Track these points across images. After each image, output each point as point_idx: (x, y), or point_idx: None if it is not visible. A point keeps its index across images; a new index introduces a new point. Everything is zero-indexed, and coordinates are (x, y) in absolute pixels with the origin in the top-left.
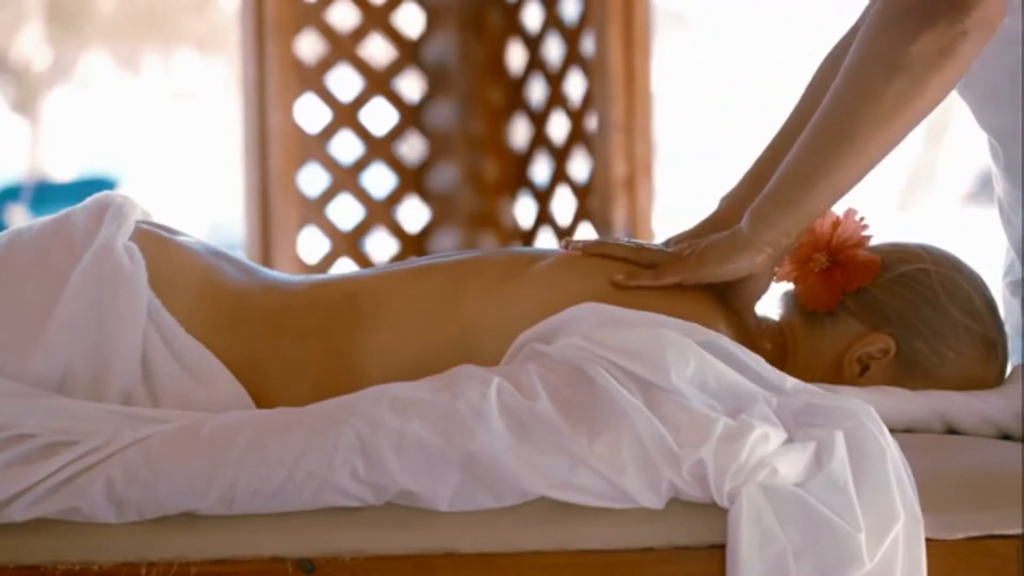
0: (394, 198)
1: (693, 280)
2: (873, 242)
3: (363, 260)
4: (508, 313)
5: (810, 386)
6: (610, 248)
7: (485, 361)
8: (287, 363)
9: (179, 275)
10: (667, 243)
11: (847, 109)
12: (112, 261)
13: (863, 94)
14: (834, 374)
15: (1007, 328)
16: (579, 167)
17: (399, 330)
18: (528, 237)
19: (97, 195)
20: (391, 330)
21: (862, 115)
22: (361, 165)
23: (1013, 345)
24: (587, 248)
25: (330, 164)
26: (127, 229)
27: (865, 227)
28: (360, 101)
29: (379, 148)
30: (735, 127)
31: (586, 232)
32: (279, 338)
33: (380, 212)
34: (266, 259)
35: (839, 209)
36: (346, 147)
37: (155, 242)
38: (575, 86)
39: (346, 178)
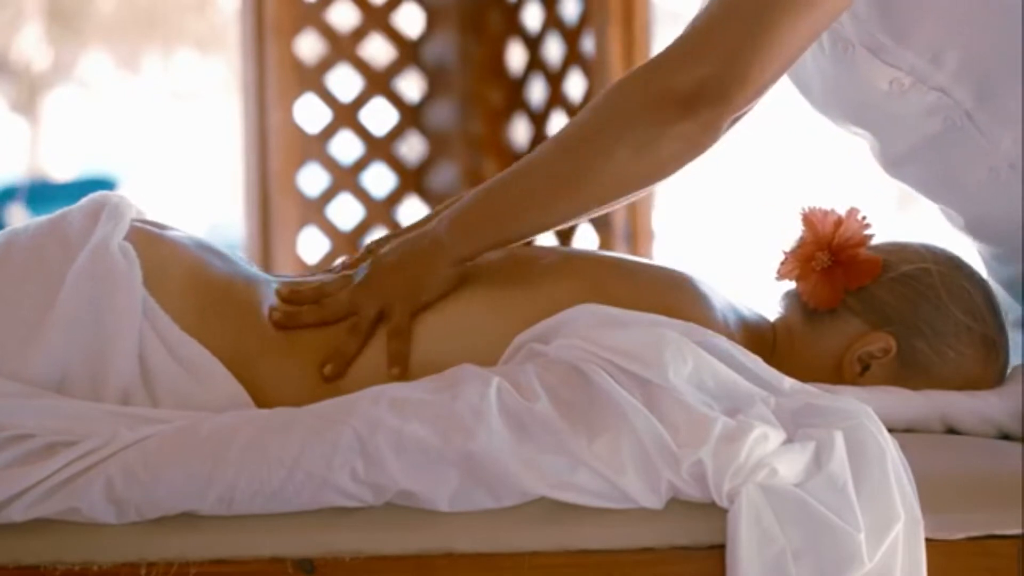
0: (394, 198)
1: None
2: (875, 241)
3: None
4: (497, 315)
5: (808, 386)
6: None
7: (478, 361)
8: (276, 356)
9: (169, 269)
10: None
11: (574, 158)
12: (107, 260)
13: (596, 152)
14: (835, 373)
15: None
16: None
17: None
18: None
19: (93, 195)
20: (384, 332)
21: (585, 171)
22: (361, 165)
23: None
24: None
25: (330, 164)
26: (122, 228)
27: (867, 226)
28: (360, 101)
29: (379, 148)
30: (735, 127)
31: (586, 232)
32: (268, 331)
33: (380, 212)
34: (266, 259)
35: (841, 209)
36: (346, 147)
37: (147, 239)
38: (575, 86)
39: (346, 178)
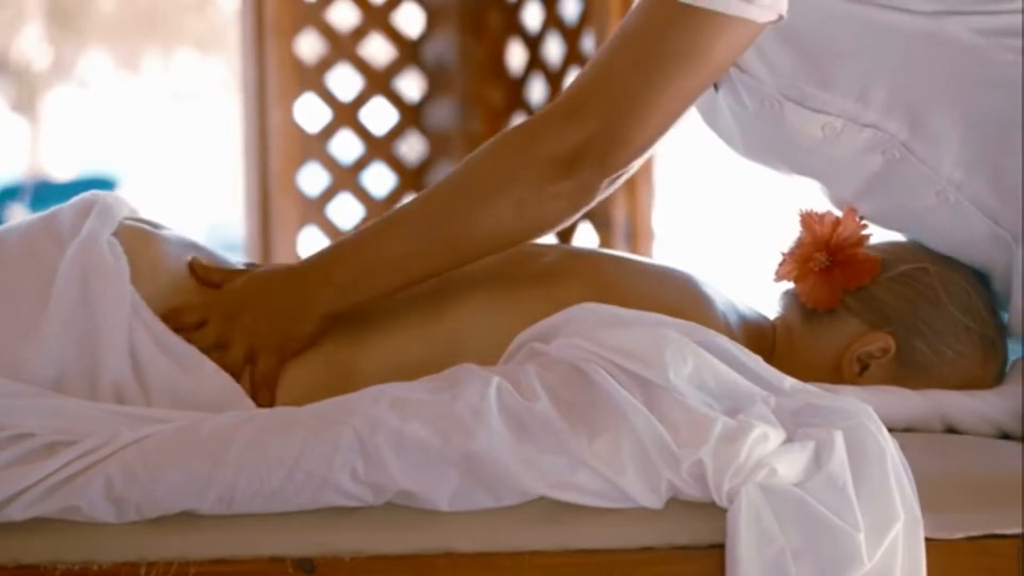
0: (394, 198)
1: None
2: (873, 241)
3: None
4: (497, 314)
5: (808, 386)
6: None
7: (477, 360)
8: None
9: (158, 267)
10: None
11: (452, 214)
12: (95, 255)
13: (475, 208)
14: (834, 373)
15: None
16: None
17: (390, 331)
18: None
19: (85, 193)
20: (382, 331)
21: (463, 227)
22: (361, 165)
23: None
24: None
25: (330, 164)
26: (111, 224)
27: (865, 226)
28: (360, 101)
29: (379, 148)
30: (617, 182)
31: (586, 232)
32: None
33: (380, 212)
34: (266, 259)
35: (838, 209)
36: (346, 147)
37: (137, 236)
38: None
39: (346, 178)
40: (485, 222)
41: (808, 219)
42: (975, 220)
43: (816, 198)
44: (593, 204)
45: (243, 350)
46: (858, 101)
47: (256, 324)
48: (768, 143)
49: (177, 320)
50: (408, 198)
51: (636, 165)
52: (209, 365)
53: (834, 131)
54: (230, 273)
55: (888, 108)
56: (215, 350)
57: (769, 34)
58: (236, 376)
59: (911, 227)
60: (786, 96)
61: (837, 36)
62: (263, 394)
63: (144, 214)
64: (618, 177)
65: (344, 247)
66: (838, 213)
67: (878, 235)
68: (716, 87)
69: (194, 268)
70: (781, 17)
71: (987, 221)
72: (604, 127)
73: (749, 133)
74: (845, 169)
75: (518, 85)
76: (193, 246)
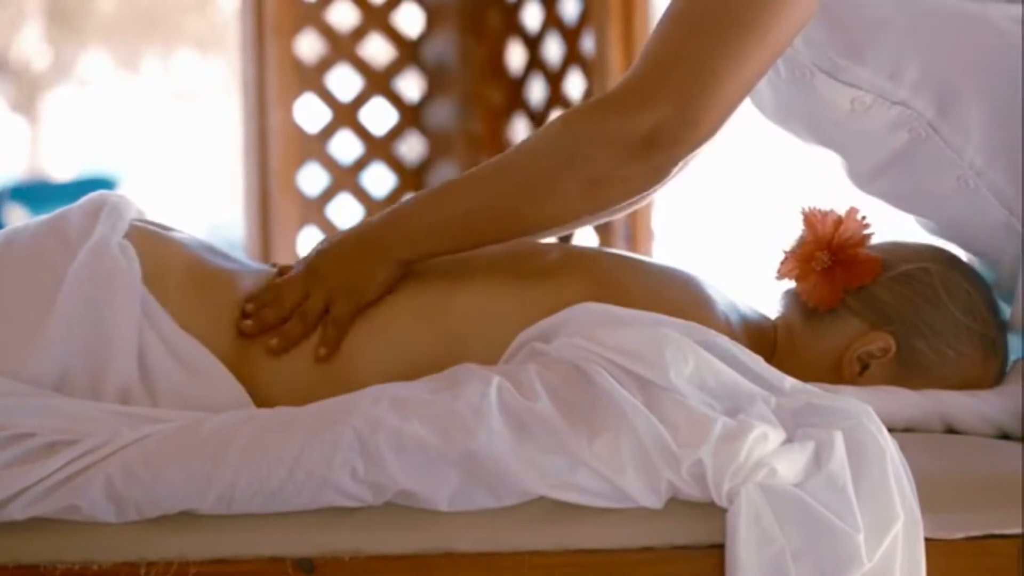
0: (394, 198)
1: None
2: (874, 241)
3: None
4: (499, 312)
5: (809, 386)
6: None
7: (479, 358)
8: (280, 359)
9: (171, 269)
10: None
11: (524, 184)
12: (107, 259)
13: (546, 181)
14: (834, 373)
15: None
16: None
17: (390, 329)
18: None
19: (93, 194)
20: (382, 330)
21: (533, 198)
22: (361, 165)
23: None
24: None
25: (330, 164)
26: (122, 227)
27: (867, 226)
28: (360, 101)
29: (379, 148)
30: (735, 126)
31: (586, 232)
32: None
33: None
34: (266, 259)
35: (840, 208)
36: (346, 147)
37: (148, 238)
38: (575, 86)
39: (346, 178)
40: (554, 199)
41: (810, 218)
42: (991, 208)
43: (833, 172)
44: (660, 186)
45: (322, 297)
46: (890, 78)
47: (333, 272)
48: (796, 111)
49: (276, 294)
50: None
51: (706, 146)
52: (219, 371)
53: (863, 105)
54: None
55: (919, 87)
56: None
57: None
58: (311, 328)
59: (926, 209)
60: (819, 66)
61: (874, 11)
62: (330, 336)
63: (147, 214)
64: (690, 159)
65: (418, 203)
66: (849, 196)
67: (878, 236)
68: None
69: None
70: None
71: (1002, 210)
72: (678, 109)
73: (780, 99)
74: (869, 144)
75: (518, 85)
76: (204, 247)
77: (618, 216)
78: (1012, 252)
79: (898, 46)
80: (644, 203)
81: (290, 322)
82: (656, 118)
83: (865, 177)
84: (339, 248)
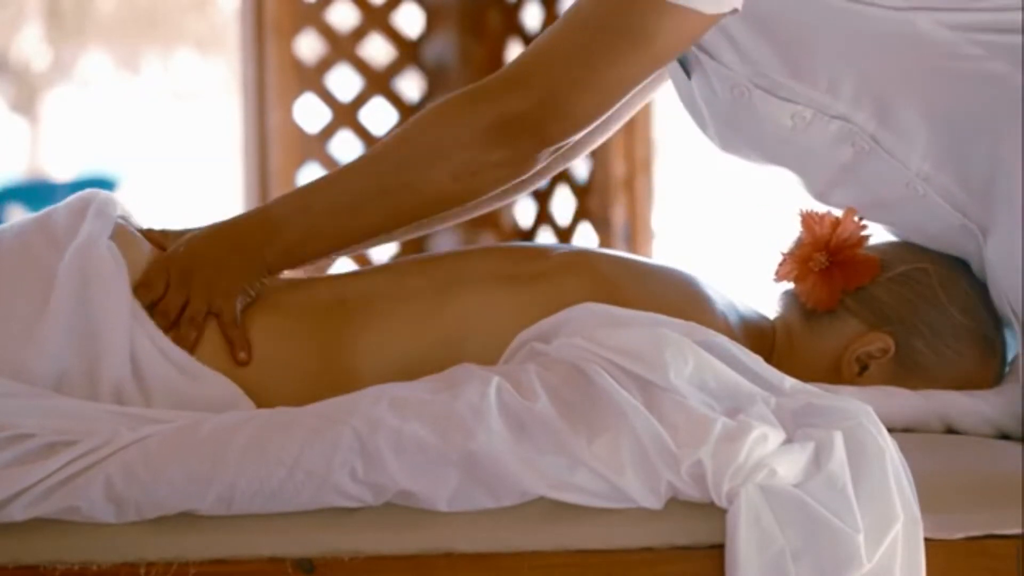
0: None
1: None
2: (872, 241)
3: (363, 259)
4: (497, 313)
5: (809, 386)
6: None
7: (478, 360)
8: (277, 361)
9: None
10: None
11: (394, 173)
12: (95, 258)
13: (416, 170)
14: (833, 373)
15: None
16: (578, 166)
17: (388, 331)
18: (528, 237)
19: (79, 192)
20: (380, 331)
21: (403, 187)
22: None
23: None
24: None
25: (330, 164)
26: (108, 226)
27: (864, 227)
28: (360, 101)
29: None
30: (561, 154)
31: (586, 231)
32: (267, 336)
33: None
34: None
35: (838, 209)
36: (346, 147)
37: (129, 241)
38: None
39: None
40: (426, 186)
41: (808, 219)
42: (944, 212)
43: (793, 188)
44: (532, 173)
45: (203, 303)
46: (827, 92)
47: (210, 277)
48: (741, 132)
49: (146, 295)
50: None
51: (575, 139)
52: (210, 373)
53: (804, 121)
54: (174, 235)
55: (856, 100)
56: (176, 310)
57: (739, 21)
58: (201, 330)
59: (884, 217)
60: (756, 84)
61: (808, 26)
62: (236, 337)
63: (144, 214)
64: (558, 149)
65: (287, 205)
66: (820, 206)
67: (878, 236)
68: (688, 74)
69: (148, 236)
70: (735, 10)
71: (955, 214)
72: (543, 99)
73: (721, 122)
74: (817, 159)
75: None
76: None
77: (497, 206)
78: (974, 253)
79: (832, 61)
80: (525, 192)
81: (183, 328)
82: (521, 106)
83: (820, 191)
84: (212, 253)
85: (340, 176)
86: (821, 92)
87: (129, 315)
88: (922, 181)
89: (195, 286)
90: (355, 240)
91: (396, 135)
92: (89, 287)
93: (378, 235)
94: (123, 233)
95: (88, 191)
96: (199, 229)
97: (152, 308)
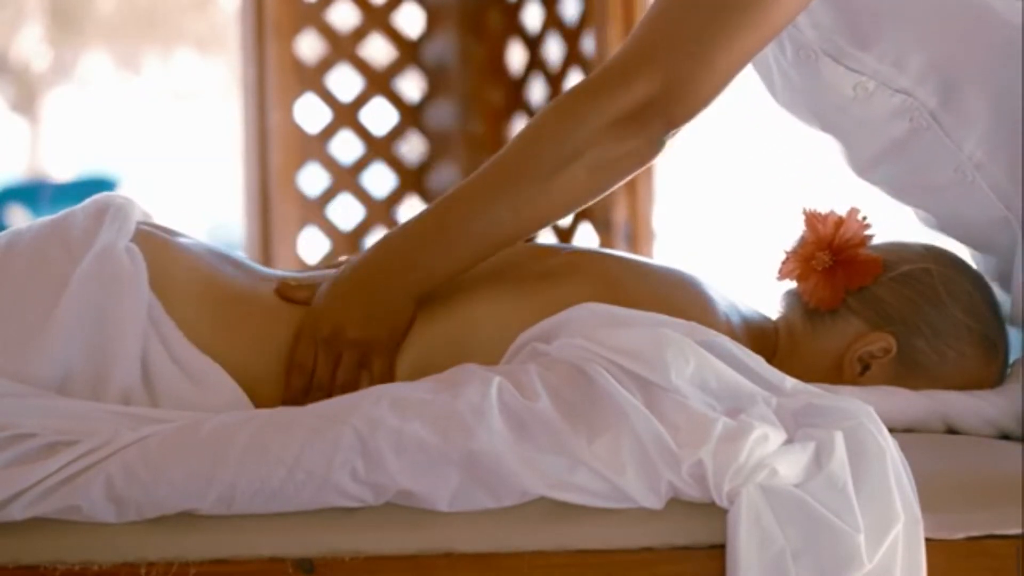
0: (394, 198)
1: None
2: (875, 241)
3: None
4: (502, 313)
5: (810, 386)
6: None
7: (482, 360)
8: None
9: (181, 277)
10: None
11: (528, 177)
12: (113, 263)
13: (550, 171)
14: (835, 373)
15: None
16: None
17: None
18: (529, 237)
19: (97, 196)
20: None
21: (539, 190)
22: (361, 165)
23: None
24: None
25: (330, 164)
26: (128, 230)
27: (867, 226)
28: (360, 101)
29: (379, 148)
30: (736, 126)
31: (587, 232)
32: (282, 338)
33: (380, 212)
34: (266, 259)
35: (841, 209)
36: (346, 147)
37: (156, 244)
38: None
39: (346, 178)
40: (562, 188)
41: (811, 218)
42: (987, 202)
43: (834, 160)
44: (659, 156)
45: (354, 361)
46: (894, 65)
47: (360, 333)
48: (801, 93)
49: (299, 379)
50: (408, 198)
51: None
52: (223, 379)
53: (866, 91)
54: (311, 288)
55: (922, 76)
56: (328, 382)
57: None
58: (356, 386)
59: (922, 200)
60: (824, 50)
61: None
62: None
63: (152, 217)
64: (680, 130)
65: (422, 227)
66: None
67: (880, 236)
68: None
69: (281, 292)
70: None
71: (999, 205)
72: (668, 82)
73: (786, 81)
74: (869, 131)
75: (518, 86)
76: (211, 253)
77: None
78: (1005, 246)
79: (904, 35)
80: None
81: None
82: (648, 90)
83: (864, 164)
84: (356, 308)
85: (471, 191)
86: (887, 65)
87: (145, 319)
88: (973, 167)
89: (343, 346)
90: (492, 253)
91: (519, 143)
92: (105, 292)
93: (513, 244)
94: (147, 237)
95: (107, 194)
96: (334, 279)
97: (307, 388)
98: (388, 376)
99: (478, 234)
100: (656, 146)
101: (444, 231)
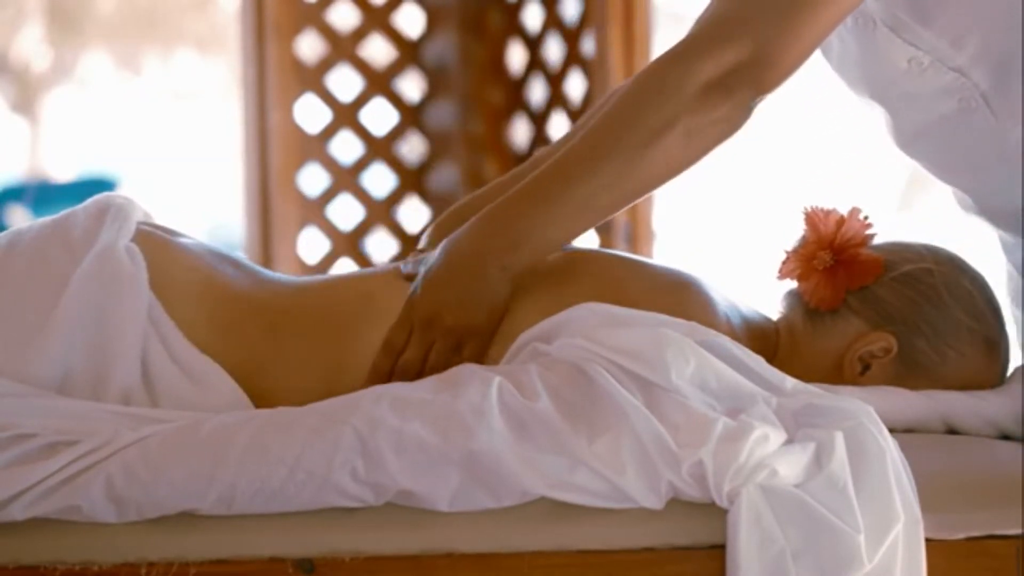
0: (394, 198)
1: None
2: (877, 241)
3: (363, 260)
4: (511, 313)
5: (810, 386)
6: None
7: (487, 361)
8: (291, 364)
9: (181, 278)
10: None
11: (623, 151)
12: (113, 263)
13: (644, 143)
14: (835, 373)
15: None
16: None
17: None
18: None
19: (98, 196)
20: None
21: (634, 163)
22: (361, 165)
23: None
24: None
25: (330, 164)
26: (128, 230)
27: (869, 226)
28: (360, 101)
29: (379, 148)
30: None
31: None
32: (283, 339)
33: (380, 212)
34: (266, 259)
35: (843, 208)
36: (346, 147)
37: (156, 244)
38: (575, 86)
39: (346, 178)
40: (658, 157)
41: (812, 218)
42: None
43: (878, 129)
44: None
45: (450, 345)
46: (951, 44)
47: (457, 319)
48: (855, 60)
49: (387, 358)
50: (408, 199)
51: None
52: (223, 379)
53: (920, 66)
54: (415, 260)
55: (977, 58)
56: (417, 366)
57: None
58: (446, 368)
59: (963, 179)
60: (883, 20)
61: None
62: None
63: (153, 218)
64: (766, 97)
65: (516, 203)
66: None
67: (881, 236)
68: None
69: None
70: None
71: None
72: (757, 48)
73: (843, 47)
74: (918, 106)
75: (518, 86)
76: (212, 253)
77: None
78: None
79: (964, 14)
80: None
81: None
82: (737, 57)
83: (908, 138)
84: (444, 287)
85: (566, 164)
86: (945, 42)
87: (145, 319)
88: (1020, 153)
89: (439, 333)
90: (589, 226)
91: (613, 114)
92: (105, 292)
93: (610, 217)
94: (147, 237)
95: (108, 194)
96: (429, 267)
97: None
98: (479, 361)
99: (578, 205)
100: (745, 112)
101: (542, 203)
